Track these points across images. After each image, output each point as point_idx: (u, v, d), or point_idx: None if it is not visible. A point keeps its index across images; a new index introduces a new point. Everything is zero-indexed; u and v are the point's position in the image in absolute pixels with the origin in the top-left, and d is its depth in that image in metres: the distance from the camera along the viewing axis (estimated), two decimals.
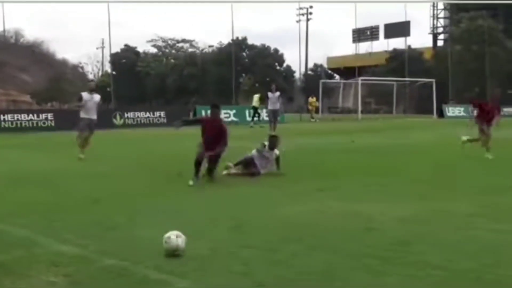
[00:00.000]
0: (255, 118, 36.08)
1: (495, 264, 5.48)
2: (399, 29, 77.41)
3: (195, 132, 11.90)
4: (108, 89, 73.23)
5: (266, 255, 5.84)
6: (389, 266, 5.41)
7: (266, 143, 12.22)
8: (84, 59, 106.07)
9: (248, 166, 12.08)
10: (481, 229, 6.95)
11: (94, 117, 16.00)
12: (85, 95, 15.97)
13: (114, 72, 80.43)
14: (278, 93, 26.43)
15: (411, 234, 6.71)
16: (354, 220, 7.52)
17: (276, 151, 12.16)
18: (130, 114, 35.69)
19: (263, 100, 32.57)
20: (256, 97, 36.85)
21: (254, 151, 12.20)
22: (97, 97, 16.11)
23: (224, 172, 11.92)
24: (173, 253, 5.61)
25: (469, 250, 5.96)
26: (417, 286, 4.89)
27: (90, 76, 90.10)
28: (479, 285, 4.95)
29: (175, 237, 5.65)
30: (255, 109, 36.55)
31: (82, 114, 15.97)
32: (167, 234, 5.69)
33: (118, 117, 34.58)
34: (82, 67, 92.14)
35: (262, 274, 5.21)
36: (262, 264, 5.53)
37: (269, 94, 26.44)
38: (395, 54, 75.77)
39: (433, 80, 53.27)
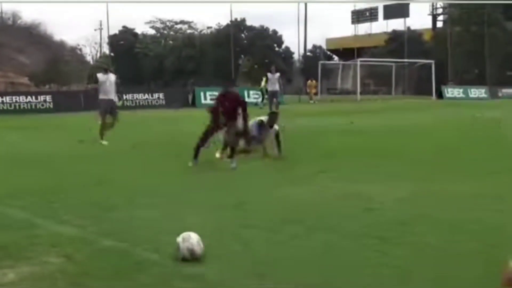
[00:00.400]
0: (259, 99, 36.00)
1: (499, 245, 5.45)
2: (399, 10, 77.03)
3: (193, 114, 11.84)
4: None
5: (266, 236, 5.84)
6: (388, 246, 5.41)
7: (264, 118, 11.99)
8: (82, 41, 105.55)
9: (242, 137, 11.41)
10: (484, 209, 6.92)
11: (113, 97, 15.69)
12: (100, 76, 15.61)
13: (112, 54, 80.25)
14: (278, 74, 26.19)
15: (411, 215, 6.70)
16: (354, 201, 7.51)
17: (276, 127, 11.93)
18: (129, 96, 35.53)
19: None
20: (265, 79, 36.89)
21: (252, 121, 11.87)
22: (112, 76, 15.78)
23: (217, 155, 11.66)
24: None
25: (471, 231, 5.94)
26: (416, 266, 4.88)
27: (88, 58, 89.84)
28: (481, 265, 4.93)
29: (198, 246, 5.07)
30: (264, 90, 36.60)
31: (101, 96, 15.59)
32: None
33: (116, 98, 34.47)
34: (80, 49, 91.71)
35: (263, 254, 5.21)
36: (262, 244, 5.53)
37: (269, 75, 26.17)
38: (394, 36, 75.49)
39: (432, 61, 53.14)
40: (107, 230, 6.12)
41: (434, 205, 7.22)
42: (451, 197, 7.72)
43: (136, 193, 8.17)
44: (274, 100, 25.53)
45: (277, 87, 25.69)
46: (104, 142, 14.65)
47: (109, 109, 15.49)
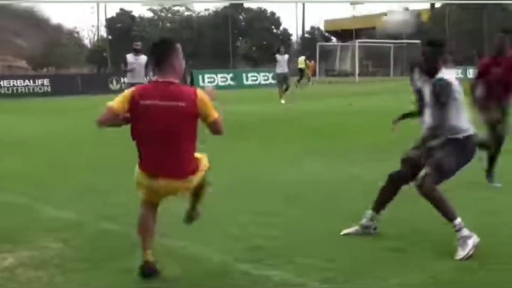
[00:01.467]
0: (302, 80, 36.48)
1: (493, 225, 5.50)
2: None
3: None
4: (104, 54, 72.90)
5: (264, 219, 5.85)
6: (388, 229, 5.42)
7: None
8: (79, 24, 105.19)
9: None
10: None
11: (142, 80, 14.31)
12: (129, 57, 14.78)
13: (109, 37, 79.92)
14: (287, 56, 24.43)
15: (408, 196, 6.70)
16: (352, 183, 7.52)
17: None
18: (127, 79, 35.45)
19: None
20: (301, 59, 37.61)
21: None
22: (143, 58, 14.79)
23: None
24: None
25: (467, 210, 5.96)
26: (415, 247, 4.90)
27: (86, 41, 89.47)
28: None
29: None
30: (301, 70, 37.07)
31: (128, 79, 14.74)
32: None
33: (114, 82, 34.39)
34: (77, 32, 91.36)
35: (260, 238, 5.22)
36: (260, 228, 5.54)
37: (278, 56, 24.04)
38: None
39: None
40: (103, 214, 6.14)
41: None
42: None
43: (132, 177, 8.16)
44: (285, 83, 23.63)
45: (286, 69, 23.79)
46: None
47: None
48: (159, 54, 4.33)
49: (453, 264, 4.54)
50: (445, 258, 4.66)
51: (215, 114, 4.27)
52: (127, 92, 4.29)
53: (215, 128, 4.35)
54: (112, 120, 4.23)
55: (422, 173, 4.89)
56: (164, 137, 4.17)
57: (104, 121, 4.23)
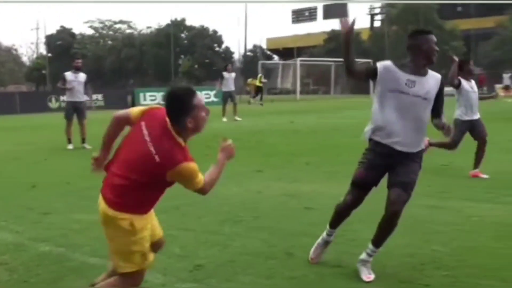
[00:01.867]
0: (258, 96, 37.09)
1: (427, 240, 5.65)
2: (338, 10, 77.87)
3: None
4: (43, 71, 71.75)
5: (204, 237, 5.87)
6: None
7: None
8: (18, 41, 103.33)
9: None
10: (414, 206, 7.10)
11: (82, 99, 14.53)
12: (68, 75, 14.47)
13: (49, 54, 78.80)
14: (234, 74, 24.11)
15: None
16: (292, 200, 7.61)
17: None
18: (66, 98, 34.92)
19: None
20: (258, 77, 38.33)
21: None
22: (82, 76, 14.53)
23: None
24: None
25: (402, 227, 6.10)
26: (353, 263, 4.98)
27: (24, 59, 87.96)
28: (411, 259, 5.10)
29: None
30: (258, 88, 37.72)
31: (68, 97, 14.65)
32: None
33: (53, 100, 33.85)
34: (16, 49, 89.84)
35: (200, 257, 5.24)
36: (200, 247, 5.56)
37: (225, 74, 23.59)
38: (333, 35, 76.42)
39: (370, 60, 53.97)
40: (44, 235, 6.04)
41: (369, 203, 7.36)
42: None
43: (73, 197, 8.07)
44: (232, 101, 23.32)
45: (233, 87, 23.53)
46: (70, 147, 13.87)
47: (76, 113, 14.43)
48: (172, 113, 3.60)
49: (392, 278, 4.65)
50: (386, 273, 4.77)
51: (195, 186, 3.75)
52: (147, 107, 3.77)
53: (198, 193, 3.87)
54: (123, 121, 3.80)
55: (401, 196, 4.77)
56: (124, 166, 3.65)
57: (118, 117, 3.83)
